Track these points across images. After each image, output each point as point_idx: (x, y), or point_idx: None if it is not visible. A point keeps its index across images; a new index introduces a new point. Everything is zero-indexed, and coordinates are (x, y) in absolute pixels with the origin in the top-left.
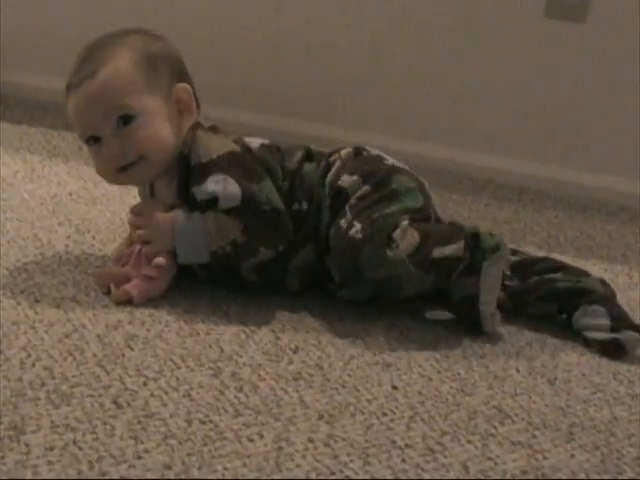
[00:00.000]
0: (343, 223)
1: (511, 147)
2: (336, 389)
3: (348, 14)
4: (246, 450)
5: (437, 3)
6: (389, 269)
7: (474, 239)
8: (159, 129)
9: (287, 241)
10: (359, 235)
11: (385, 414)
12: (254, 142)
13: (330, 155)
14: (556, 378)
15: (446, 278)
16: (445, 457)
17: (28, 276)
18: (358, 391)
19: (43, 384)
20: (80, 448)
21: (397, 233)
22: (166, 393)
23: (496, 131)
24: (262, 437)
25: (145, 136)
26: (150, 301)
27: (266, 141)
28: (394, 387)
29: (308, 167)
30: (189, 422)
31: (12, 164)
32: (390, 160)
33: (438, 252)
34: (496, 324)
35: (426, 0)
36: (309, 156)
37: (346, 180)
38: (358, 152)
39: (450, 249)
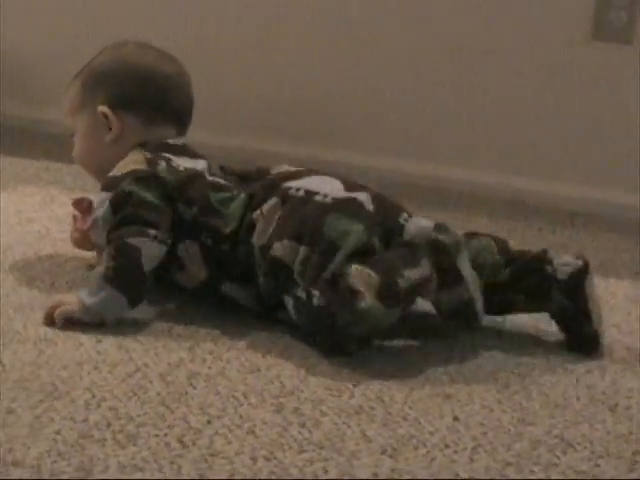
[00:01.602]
0: (301, 294)
1: (562, 171)
2: (398, 422)
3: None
4: None
5: (489, 28)
6: (368, 319)
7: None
8: (81, 145)
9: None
10: (322, 302)
11: (447, 446)
12: (185, 165)
13: (254, 203)
14: (617, 405)
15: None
16: None
17: None
18: (420, 424)
19: (109, 424)
20: None
21: (355, 281)
22: (230, 431)
23: (545, 155)
24: (326, 472)
25: (75, 150)
26: (210, 338)
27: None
28: (455, 418)
29: (233, 207)
30: (254, 459)
31: None
32: (317, 192)
33: (404, 282)
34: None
35: (476, 26)
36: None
37: (279, 249)
38: (283, 203)
39: (416, 273)
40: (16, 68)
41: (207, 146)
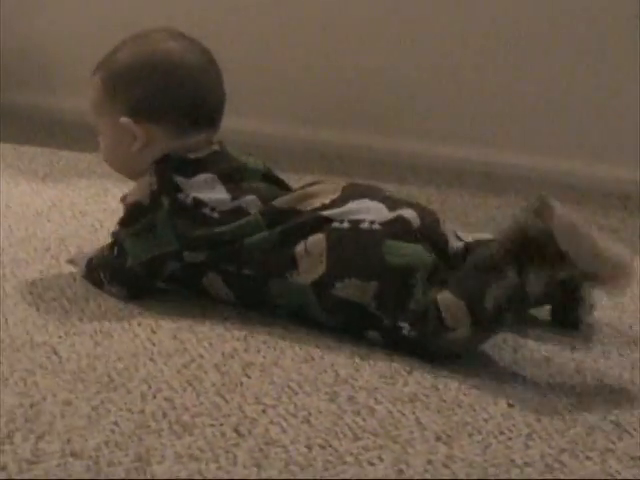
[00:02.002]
0: (388, 324)
1: (616, 154)
2: (452, 409)
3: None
4: (367, 474)
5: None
6: (461, 346)
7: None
8: (108, 150)
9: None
10: (413, 335)
11: (502, 433)
12: (194, 195)
13: (289, 239)
14: None
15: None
16: (564, 474)
17: (144, 308)
18: (474, 410)
19: (165, 415)
20: (204, 477)
21: (445, 314)
22: (285, 420)
23: (597, 138)
24: (382, 460)
25: (102, 153)
26: (264, 328)
27: (215, 214)
28: (510, 405)
29: (254, 237)
30: (309, 448)
31: None
32: (362, 220)
33: (489, 302)
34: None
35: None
36: (266, 223)
37: (343, 288)
38: (329, 237)
39: (501, 288)
40: (69, 61)
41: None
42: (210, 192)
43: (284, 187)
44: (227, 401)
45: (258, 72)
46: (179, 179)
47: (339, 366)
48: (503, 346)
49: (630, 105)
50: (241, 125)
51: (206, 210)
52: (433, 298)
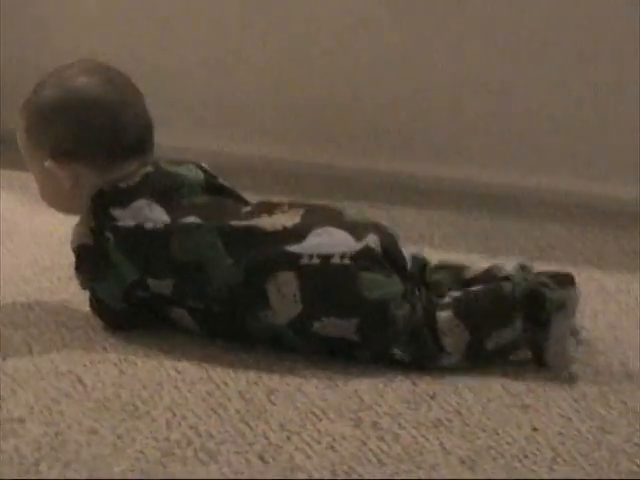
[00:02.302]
0: (378, 351)
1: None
2: (476, 434)
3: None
4: None
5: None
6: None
7: (536, 298)
8: (40, 189)
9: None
10: (406, 359)
11: (527, 456)
12: (128, 223)
13: (256, 274)
14: None
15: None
16: None
17: (169, 335)
18: (498, 434)
19: (190, 442)
20: None
21: (444, 335)
22: (310, 446)
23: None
24: None
25: (39, 190)
26: (288, 355)
27: (159, 224)
28: (534, 429)
29: (219, 269)
30: (334, 474)
31: None
32: (332, 255)
33: (490, 343)
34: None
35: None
36: (226, 246)
37: (322, 327)
38: (300, 275)
39: (506, 334)
40: None
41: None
42: (149, 217)
43: (230, 195)
44: (251, 428)
45: (263, 95)
46: (115, 212)
47: (363, 392)
48: (526, 368)
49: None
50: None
51: (149, 226)
52: (425, 317)
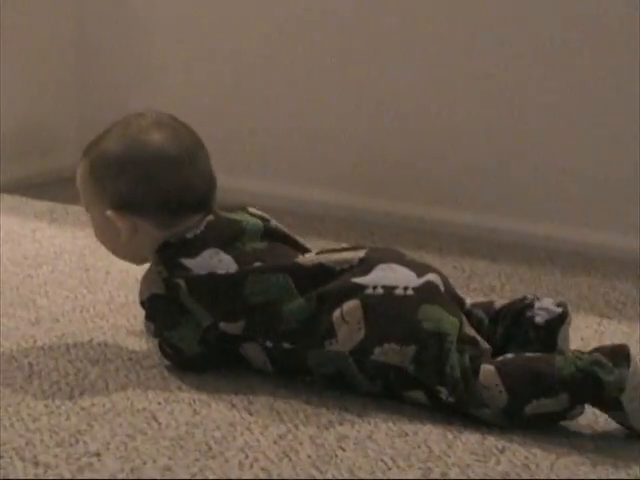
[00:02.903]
0: (428, 387)
1: None
2: None
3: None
4: None
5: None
6: (495, 422)
7: (585, 376)
8: (98, 236)
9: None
10: (452, 400)
11: None
12: (206, 269)
13: (324, 307)
14: None
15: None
16: None
17: (241, 377)
18: None
19: None
20: None
21: (483, 391)
22: None
23: None
24: None
25: (96, 235)
26: (359, 400)
27: (231, 269)
28: None
29: (291, 306)
30: None
31: None
32: (395, 286)
33: (530, 408)
34: None
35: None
36: (297, 286)
37: (382, 354)
38: (365, 304)
39: (544, 404)
40: None
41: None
42: (219, 265)
43: (290, 242)
44: (322, 472)
45: (276, 134)
46: (186, 261)
47: (432, 442)
48: (595, 425)
49: None
50: (256, 186)
51: (221, 272)
52: (473, 366)
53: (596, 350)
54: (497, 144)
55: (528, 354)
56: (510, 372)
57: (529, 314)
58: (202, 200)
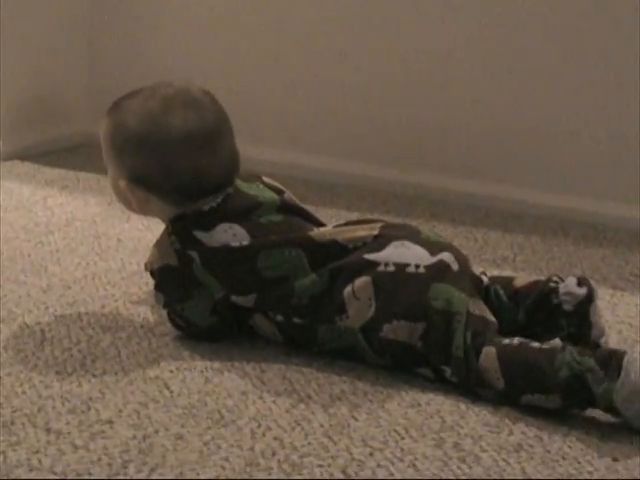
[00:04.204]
0: (433, 364)
1: None
2: (557, 461)
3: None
4: None
5: None
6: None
7: (578, 382)
8: (114, 193)
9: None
10: (456, 379)
11: None
12: (221, 240)
13: (336, 283)
14: None
15: None
16: None
17: (252, 347)
18: (579, 463)
19: (274, 454)
20: None
21: (484, 373)
22: (392, 463)
23: None
24: None
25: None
26: (372, 372)
27: (245, 242)
28: (615, 459)
29: (304, 281)
30: None
31: None
32: (407, 264)
33: (525, 399)
34: None
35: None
36: (310, 261)
37: (391, 330)
38: (376, 280)
39: (538, 399)
40: None
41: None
42: (233, 238)
43: (305, 215)
44: (335, 442)
45: (289, 103)
46: (199, 234)
47: (445, 412)
48: None
49: None
50: (274, 156)
51: (235, 244)
52: (475, 346)
53: (595, 353)
54: (510, 114)
55: (533, 344)
56: (510, 360)
57: (556, 301)
58: (220, 183)
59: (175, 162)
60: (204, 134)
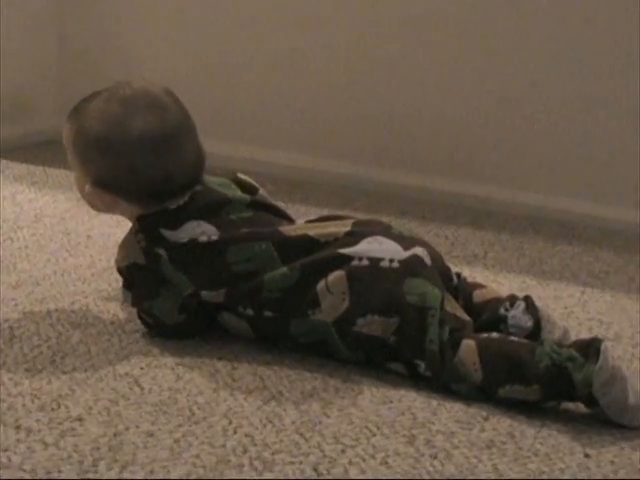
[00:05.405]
0: (407, 359)
1: None
2: (529, 457)
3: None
4: None
5: None
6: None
7: (558, 372)
8: (81, 195)
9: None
10: (429, 373)
11: None
12: (186, 237)
13: (309, 277)
14: None
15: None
16: None
17: (223, 343)
18: (550, 459)
19: (246, 450)
20: None
21: (460, 366)
22: (364, 460)
23: None
24: None
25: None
26: (344, 368)
27: (214, 237)
28: (586, 455)
29: (274, 275)
30: None
31: None
32: (381, 258)
33: (503, 391)
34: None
35: None
36: (280, 255)
37: (364, 325)
38: (350, 275)
39: (517, 390)
40: None
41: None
42: (201, 235)
43: (276, 212)
44: (306, 439)
45: (261, 99)
46: (165, 233)
47: (416, 409)
48: None
49: None
50: (245, 153)
51: (203, 239)
52: (453, 340)
53: (573, 344)
54: (482, 112)
55: (512, 338)
56: (489, 352)
57: (505, 329)
58: (186, 183)
59: (138, 165)
60: (166, 136)
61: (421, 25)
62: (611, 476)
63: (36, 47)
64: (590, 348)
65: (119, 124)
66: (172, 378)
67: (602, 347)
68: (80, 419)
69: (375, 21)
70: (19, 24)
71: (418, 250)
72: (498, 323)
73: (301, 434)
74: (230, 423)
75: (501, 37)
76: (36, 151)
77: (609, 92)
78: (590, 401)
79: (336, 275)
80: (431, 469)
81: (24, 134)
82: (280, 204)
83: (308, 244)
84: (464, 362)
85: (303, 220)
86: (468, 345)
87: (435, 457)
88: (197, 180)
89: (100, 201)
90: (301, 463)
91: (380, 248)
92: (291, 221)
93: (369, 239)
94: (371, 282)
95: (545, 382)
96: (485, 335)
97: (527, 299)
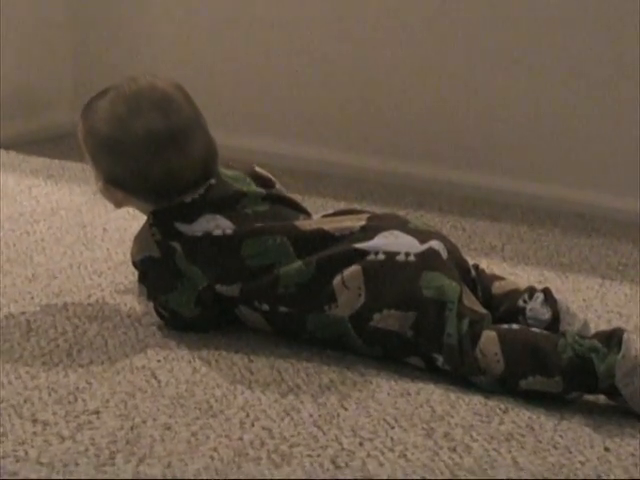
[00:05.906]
0: (424, 353)
1: None
2: (548, 450)
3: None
4: None
5: None
6: (490, 390)
7: (581, 362)
8: (96, 185)
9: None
10: (448, 367)
11: (599, 476)
12: (203, 230)
13: (325, 272)
14: None
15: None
16: None
17: (240, 336)
18: (570, 452)
19: (263, 444)
20: None
21: (481, 357)
22: (382, 453)
23: None
24: None
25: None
26: (361, 361)
27: (229, 231)
28: (606, 449)
29: (289, 269)
30: None
31: None
32: (397, 252)
33: (525, 383)
34: None
35: None
36: (296, 249)
37: (381, 319)
38: (366, 269)
39: (539, 382)
40: None
41: None
42: (216, 229)
43: (292, 205)
44: (324, 432)
45: (275, 92)
46: (181, 226)
47: (435, 402)
48: None
49: None
50: (260, 146)
51: (217, 233)
52: (473, 332)
53: (595, 335)
54: (499, 104)
55: (534, 329)
56: (511, 342)
57: (523, 321)
58: (197, 178)
59: (145, 165)
60: (171, 133)
61: (430, 17)
62: (632, 469)
63: (52, 41)
64: (612, 338)
65: (123, 125)
66: (189, 371)
67: (625, 337)
68: (97, 412)
69: (384, 14)
70: (36, 22)
71: (434, 243)
72: (516, 315)
73: (319, 427)
74: (247, 416)
75: (516, 22)
76: (52, 145)
77: (633, 82)
78: (612, 392)
79: (352, 270)
80: (450, 462)
81: (40, 128)
82: (297, 197)
83: (323, 238)
84: (485, 353)
85: (320, 213)
86: (489, 336)
87: (454, 450)
88: (210, 174)
89: (113, 198)
90: (319, 456)
91: (396, 242)
92: (308, 214)
93: (385, 233)
94: (387, 276)
95: (568, 373)
96: (506, 326)
97: (546, 291)
